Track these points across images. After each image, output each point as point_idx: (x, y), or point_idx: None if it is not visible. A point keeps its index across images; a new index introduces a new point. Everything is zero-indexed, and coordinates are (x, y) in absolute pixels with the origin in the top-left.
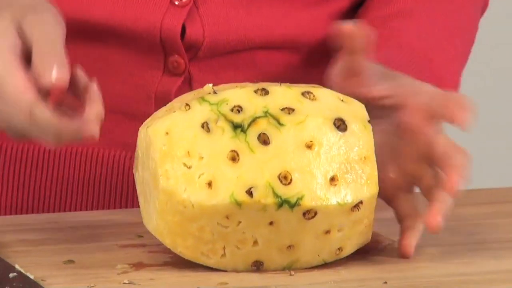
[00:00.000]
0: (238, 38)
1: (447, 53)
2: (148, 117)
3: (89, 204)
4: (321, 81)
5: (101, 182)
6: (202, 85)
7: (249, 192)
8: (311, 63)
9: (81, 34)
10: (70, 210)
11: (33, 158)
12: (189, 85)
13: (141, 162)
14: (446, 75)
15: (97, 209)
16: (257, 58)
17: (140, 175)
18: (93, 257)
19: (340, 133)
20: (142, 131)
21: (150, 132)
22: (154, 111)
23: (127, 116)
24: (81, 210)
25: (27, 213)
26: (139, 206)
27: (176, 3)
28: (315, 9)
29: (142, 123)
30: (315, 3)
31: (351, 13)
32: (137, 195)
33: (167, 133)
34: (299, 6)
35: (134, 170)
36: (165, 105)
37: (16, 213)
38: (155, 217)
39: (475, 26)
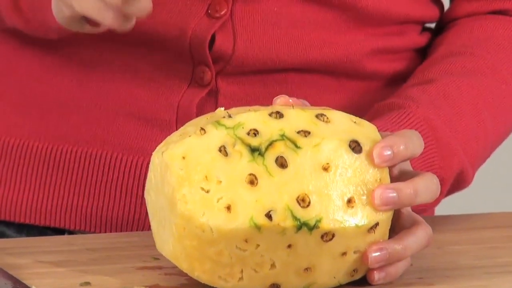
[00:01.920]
0: (270, 57)
1: (464, 123)
2: (168, 125)
3: (105, 207)
4: (357, 107)
5: (117, 186)
6: (228, 99)
7: (268, 216)
8: (345, 87)
9: (111, 37)
10: (86, 212)
11: (55, 159)
12: (214, 98)
13: (154, 187)
14: (456, 148)
15: (112, 212)
16: (289, 79)
17: (153, 200)
18: (110, 280)
19: (355, 155)
20: (157, 156)
21: (166, 156)
22: (175, 120)
23: (147, 122)
24: (97, 212)
25: (43, 214)
26: None
27: (214, 14)
28: (352, 35)
29: (160, 130)
30: (352, 29)
31: (388, 40)
32: None
33: (183, 157)
34: (336, 32)
35: (145, 195)
36: (185, 115)
37: (35, 214)
38: (171, 242)
39: None
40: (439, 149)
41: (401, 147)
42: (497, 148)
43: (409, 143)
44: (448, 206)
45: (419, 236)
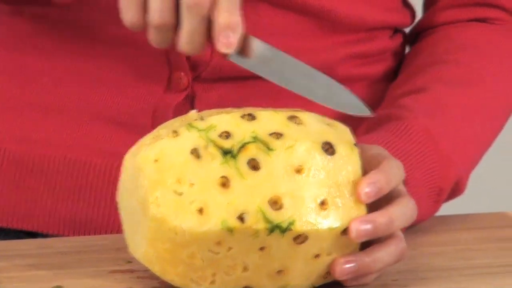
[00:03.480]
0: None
1: (460, 133)
2: (144, 130)
3: (79, 210)
4: (334, 113)
5: (92, 189)
6: (204, 103)
7: (241, 218)
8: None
9: (87, 40)
10: (60, 216)
11: (28, 163)
12: (191, 103)
13: (126, 190)
14: (455, 158)
15: (86, 216)
16: (264, 85)
17: (126, 203)
18: (82, 283)
19: (328, 156)
20: (129, 159)
21: (139, 159)
22: (151, 125)
23: (122, 127)
24: (71, 216)
25: (17, 217)
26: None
27: None
28: (326, 42)
29: (135, 135)
30: (326, 36)
31: (360, 45)
32: None
33: (156, 160)
34: (311, 39)
35: (117, 198)
36: (161, 120)
37: (7, 217)
38: (144, 245)
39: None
40: (439, 160)
41: (384, 184)
42: (484, 154)
43: (392, 179)
44: None
45: (391, 250)
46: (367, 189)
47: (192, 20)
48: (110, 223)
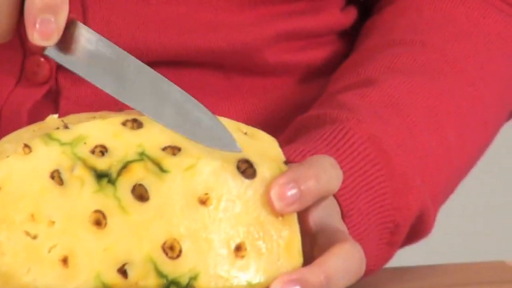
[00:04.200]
0: (133, 45)
1: (422, 144)
2: None
3: None
4: (261, 119)
5: None
6: (74, 103)
7: (122, 271)
8: (241, 88)
9: None
10: None
11: None
12: (54, 102)
13: None
14: (415, 180)
15: None
16: (164, 75)
17: None
18: None
19: (246, 180)
20: None
21: None
22: None
23: None
24: None
25: None
26: None
27: None
28: (247, 15)
29: None
30: (247, 6)
31: (298, 20)
32: None
33: None
34: (225, 10)
35: None
36: (11, 128)
37: None
38: None
39: (492, 121)
40: (392, 181)
41: (311, 181)
42: (463, 178)
43: (322, 174)
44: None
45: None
46: (284, 190)
47: None
48: None
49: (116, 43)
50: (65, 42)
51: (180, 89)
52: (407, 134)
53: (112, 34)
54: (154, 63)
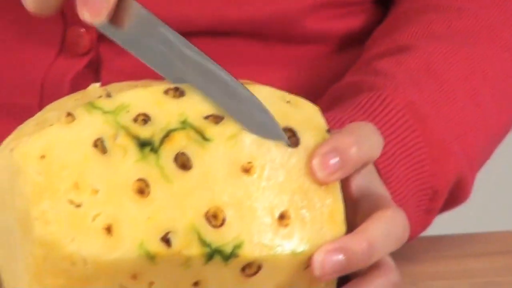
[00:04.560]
0: (173, 16)
1: (461, 111)
2: (27, 112)
3: None
4: (299, 86)
5: None
6: (115, 74)
7: (166, 240)
8: (280, 57)
9: None
10: None
11: None
12: (95, 72)
13: None
14: (453, 146)
15: None
16: (199, 46)
17: None
18: None
19: (289, 149)
20: (3, 155)
21: (17, 155)
22: (37, 104)
23: None
24: None
25: None
26: None
27: None
28: None
29: (15, 120)
30: None
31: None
32: None
33: (43, 156)
34: None
35: None
36: (52, 98)
37: None
38: (27, 281)
39: None
40: (430, 147)
41: (353, 149)
42: (499, 143)
43: (363, 142)
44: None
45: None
46: (327, 159)
47: None
48: None
49: (156, 14)
50: (116, 17)
51: (227, 73)
52: (444, 100)
53: (150, 5)
54: (193, 34)
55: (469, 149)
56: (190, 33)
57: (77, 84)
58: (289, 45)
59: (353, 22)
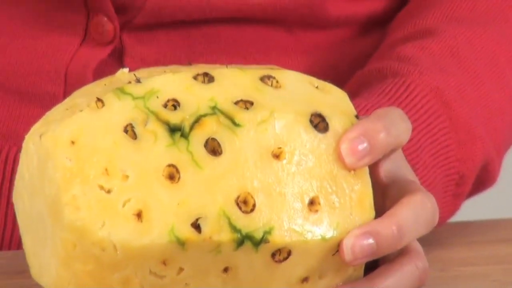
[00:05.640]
0: (196, 3)
1: (485, 95)
2: (52, 101)
3: None
4: (323, 71)
5: None
6: (138, 62)
7: (196, 225)
8: (303, 42)
9: None
10: None
11: None
12: (119, 61)
13: (28, 187)
14: (479, 130)
15: None
16: (222, 33)
17: (26, 205)
18: None
19: (319, 134)
20: (32, 141)
21: (47, 141)
22: (62, 93)
23: (21, 97)
24: None
25: None
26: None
27: None
28: None
29: (40, 109)
30: None
31: None
32: None
33: (73, 142)
34: None
35: (14, 198)
36: (77, 86)
37: None
38: (55, 266)
39: None
40: (455, 132)
41: (381, 134)
42: None
43: (392, 127)
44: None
45: (407, 273)
46: (355, 145)
47: None
48: (6, 236)
49: (179, 1)
50: None
51: None
52: (469, 85)
53: None
54: (216, 20)
55: (495, 133)
56: (213, 20)
57: (101, 72)
58: (312, 31)
59: (374, 5)
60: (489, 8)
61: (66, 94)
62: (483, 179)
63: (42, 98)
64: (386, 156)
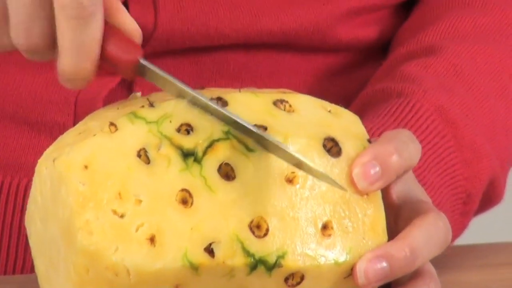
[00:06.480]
0: (205, 31)
1: (490, 114)
2: (62, 130)
3: None
4: (333, 93)
5: None
6: (148, 91)
7: (209, 250)
8: (314, 65)
9: None
10: None
11: None
12: (128, 89)
13: (41, 211)
14: (484, 149)
15: None
16: (231, 59)
17: (39, 229)
18: None
19: (332, 159)
20: (45, 165)
21: (61, 165)
22: (72, 122)
23: (31, 127)
24: None
25: None
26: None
27: None
28: (322, 5)
29: (50, 138)
30: None
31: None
32: None
33: (86, 166)
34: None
35: (26, 222)
36: (88, 114)
37: None
38: None
39: None
40: (461, 151)
41: (393, 157)
42: None
43: (403, 149)
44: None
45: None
46: (368, 169)
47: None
48: (18, 260)
49: (188, 30)
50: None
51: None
52: (473, 102)
53: (184, 21)
54: (226, 47)
55: (500, 149)
56: (223, 46)
57: (110, 102)
58: (323, 54)
59: (384, 29)
60: (490, 23)
61: (75, 123)
62: (490, 196)
63: (51, 128)
64: (398, 177)
